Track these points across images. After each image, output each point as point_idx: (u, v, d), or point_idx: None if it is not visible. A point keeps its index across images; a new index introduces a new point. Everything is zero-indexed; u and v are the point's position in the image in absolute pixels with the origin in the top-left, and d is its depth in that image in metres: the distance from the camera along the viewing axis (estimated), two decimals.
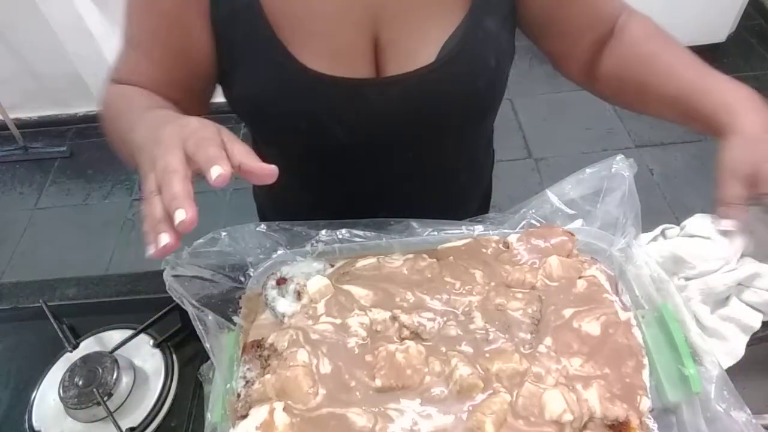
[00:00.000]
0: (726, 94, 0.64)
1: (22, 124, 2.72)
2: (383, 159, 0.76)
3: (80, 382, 0.71)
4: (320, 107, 0.67)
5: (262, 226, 0.70)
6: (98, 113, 0.68)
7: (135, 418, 0.71)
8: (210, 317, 0.62)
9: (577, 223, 0.69)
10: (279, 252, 0.70)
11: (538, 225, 0.70)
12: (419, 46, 0.66)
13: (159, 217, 0.43)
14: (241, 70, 0.68)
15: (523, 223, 0.70)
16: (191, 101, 0.69)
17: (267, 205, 0.99)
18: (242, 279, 0.69)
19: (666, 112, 0.71)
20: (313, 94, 0.66)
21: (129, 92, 0.66)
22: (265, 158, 0.48)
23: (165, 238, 0.42)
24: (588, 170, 0.69)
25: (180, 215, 0.42)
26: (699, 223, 0.67)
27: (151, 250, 0.43)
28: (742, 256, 0.65)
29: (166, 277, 0.63)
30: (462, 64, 0.67)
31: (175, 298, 0.62)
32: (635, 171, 0.68)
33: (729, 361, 0.64)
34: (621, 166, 0.68)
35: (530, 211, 0.70)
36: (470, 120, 0.76)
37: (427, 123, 0.71)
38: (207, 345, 0.60)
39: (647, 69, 0.70)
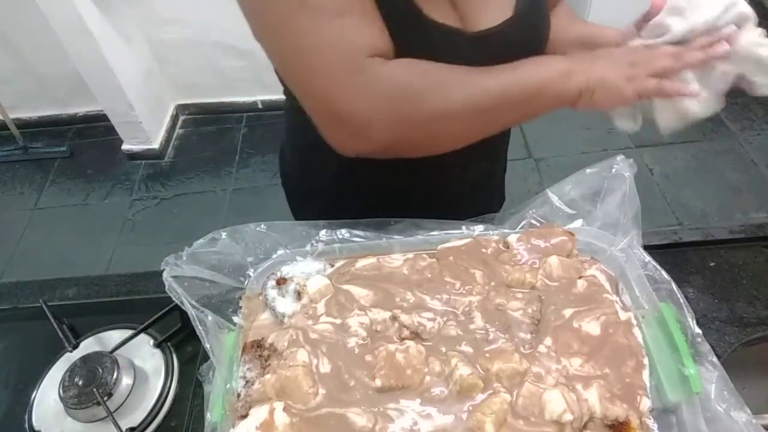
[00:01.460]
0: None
1: (22, 124, 2.72)
2: None
3: (80, 382, 0.71)
4: (439, 56, 0.57)
5: (262, 226, 0.70)
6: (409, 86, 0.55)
7: (135, 418, 0.71)
8: (210, 317, 0.62)
9: (577, 223, 0.70)
10: (279, 252, 0.70)
11: (538, 225, 0.70)
12: (496, 1, 0.64)
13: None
14: None
15: (523, 223, 0.70)
16: None
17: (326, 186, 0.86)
18: (242, 279, 0.69)
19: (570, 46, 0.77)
20: (435, 44, 0.60)
21: (423, 62, 0.57)
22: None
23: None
24: (588, 170, 0.69)
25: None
26: None
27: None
28: None
29: (166, 277, 0.63)
30: (534, 17, 0.67)
31: (174, 299, 0.62)
32: (635, 171, 0.68)
33: None
34: (621, 166, 0.68)
35: (530, 211, 0.70)
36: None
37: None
38: (207, 345, 0.60)
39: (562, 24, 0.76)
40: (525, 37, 0.67)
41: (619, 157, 0.68)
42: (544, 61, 0.59)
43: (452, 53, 0.58)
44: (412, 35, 0.57)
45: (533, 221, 0.70)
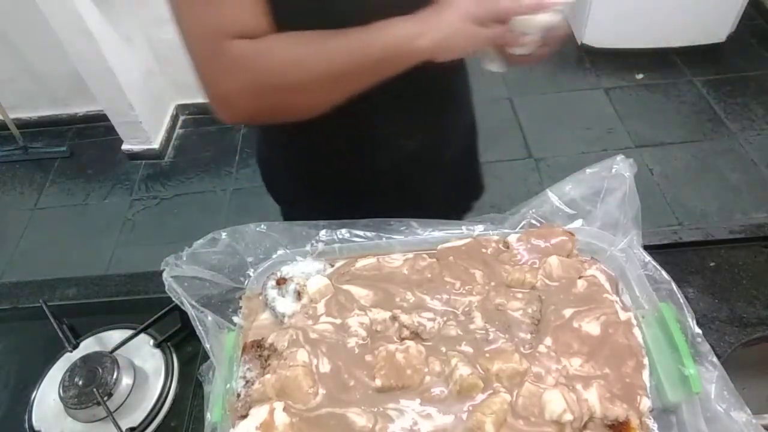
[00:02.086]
0: None
1: (22, 124, 2.72)
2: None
3: (80, 382, 0.71)
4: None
5: (262, 226, 0.70)
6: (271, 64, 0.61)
7: (135, 418, 0.71)
8: (210, 318, 0.62)
9: (577, 223, 0.69)
10: (279, 252, 0.70)
11: (538, 225, 0.70)
12: None
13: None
14: None
15: (523, 223, 0.70)
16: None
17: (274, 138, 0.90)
18: (242, 279, 0.69)
19: None
20: None
21: (282, 38, 0.61)
22: None
23: None
24: (588, 170, 0.69)
25: None
26: None
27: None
28: None
29: (166, 277, 0.63)
30: None
31: (174, 299, 0.62)
32: (635, 171, 0.68)
33: None
34: (621, 166, 0.68)
35: (530, 211, 0.70)
36: None
37: None
38: (207, 345, 0.60)
39: None
40: None
41: (619, 157, 0.68)
42: (393, 24, 0.60)
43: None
44: None
45: (533, 221, 0.70)
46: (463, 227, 0.70)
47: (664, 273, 0.62)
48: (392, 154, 0.83)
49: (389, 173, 0.86)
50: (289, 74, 0.61)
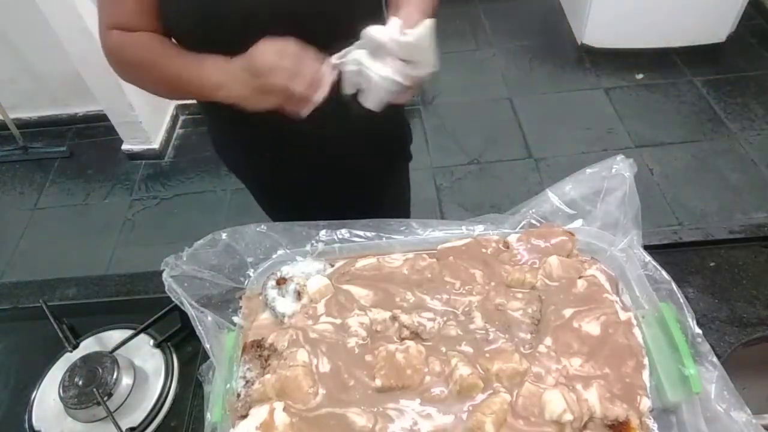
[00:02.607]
0: None
1: (22, 124, 2.72)
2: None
3: (80, 382, 0.71)
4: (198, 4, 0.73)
5: (262, 227, 0.70)
6: (111, 57, 0.79)
7: (135, 418, 0.71)
8: (209, 318, 0.62)
9: (577, 223, 0.69)
10: (279, 252, 0.70)
11: (538, 225, 0.70)
12: None
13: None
14: None
15: (523, 223, 0.70)
16: (155, 24, 0.78)
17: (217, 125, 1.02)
18: (242, 279, 0.69)
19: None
20: None
21: (142, 40, 0.77)
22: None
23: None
24: (588, 170, 0.69)
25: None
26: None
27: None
28: None
29: (166, 278, 0.63)
30: None
31: (174, 299, 0.62)
32: (635, 171, 0.68)
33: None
34: (621, 166, 0.68)
35: (530, 211, 0.70)
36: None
37: (297, 5, 0.74)
38: (207, 345, 0.60)
39: None
40: None
41: (619, 157, 0.68)
42: (207, 67, 0.72)
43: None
44: None
45: (533, 221, 0.70)
46: (463, 227, 0.70)
47: (664, 273, 0.62)
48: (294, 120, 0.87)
49: (297, 131, 0.88)
50: (133, 72, 0.81)
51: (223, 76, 0.71)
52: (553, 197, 0.70)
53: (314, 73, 0.67)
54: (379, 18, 0.88)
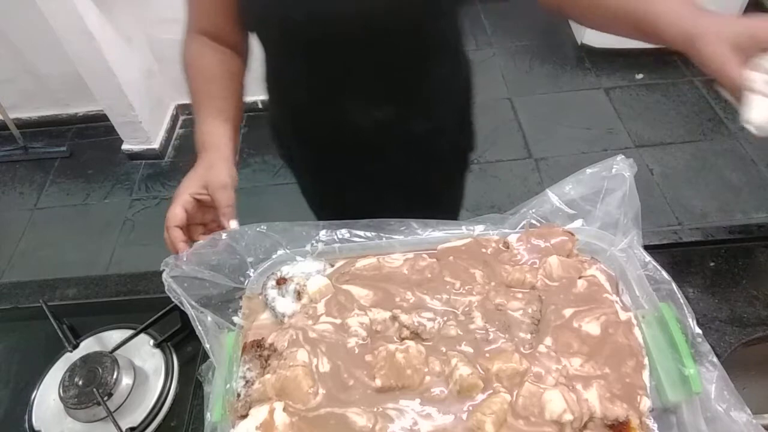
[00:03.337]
0: (681, 18, 0.61)
1: (22, 124, 2.72)
2: (353, 57, 0.79)
3: (80, 382, 0.71)
4: (278, 9, 0.75)
5: (262, 227, 0.70)
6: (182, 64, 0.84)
7: (135, 418, 0.71)
8: (210, 318, 0.62)
9: (577, 223, 0.69)
10: (279, 252, 0.70)
11: (538, 225, 0.70)
12: None
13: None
14: None
15: (523, 223, 0.70)
16: (236, 29, 0.84)
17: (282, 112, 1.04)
18: (242, 279, 0.69)
19: (618, 29, 0.68)
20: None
21: (197, 72, 0.83)
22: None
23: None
24: (588, 170, 0.69)
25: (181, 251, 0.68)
26: None
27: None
28: None
29: (165, 278, 0.63)
30: None
31: (174, 300, 0.62)
32: (635, 171, 0.68)
33: None
34: (621, 166, 0.67)
35: (530, 211, 0.70)
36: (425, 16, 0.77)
37: (379, 22, 0.74)
38: (207, 345, 0.60)
39: None
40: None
41: (619, 157, 0.68)
42: (198, 138, 0.78)
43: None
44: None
45: (533, 221, 0.70)
46: (463, 227, 0.70)
47: (664, 273, 0.62)
48: (360, 121, 0.88)
49: (360, 139, 0.92)
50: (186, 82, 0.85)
51: (209, 155, 0.76)
52: (553, 197, 0.70)
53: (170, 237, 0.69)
54: (460, 37, 0.90)
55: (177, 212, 0.69)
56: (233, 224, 0.70)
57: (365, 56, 0.79)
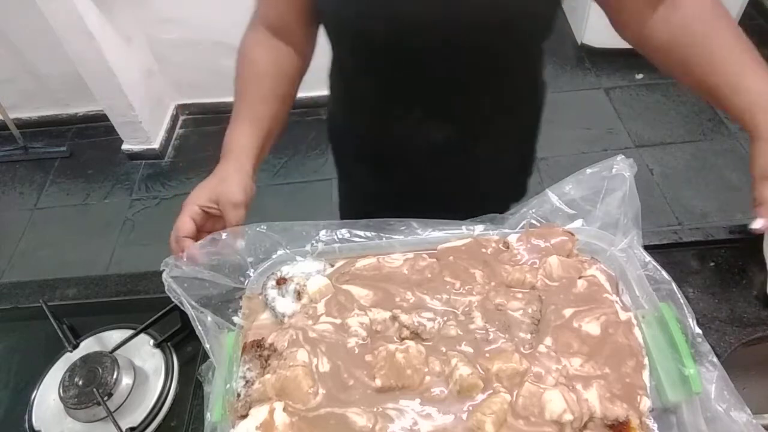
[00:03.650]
0: (757, 96, 0.65)
1: (22, 124, 2.72)
2: (426, 70, 0.76)
3: (80, 382, 0.71)
4: (358, 10, 0.71)
5: (263, 227, 0.70)
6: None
7: (135, 418, 0.71)
8: (210, 318, 0.62)
9: (577, 223, 0.69)
10: (279, 252, 0.70)
11: (538, 225, 0.70)
12: None
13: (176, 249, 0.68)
14: None
15: (523, 223, 0.70)
16: (301, 24, 0.80)
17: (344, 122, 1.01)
18: (242, 279, 0.69)
19: (704, 97, 0.72)
20: None
21: (247, 66, 0.80)
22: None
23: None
24: (588, 170, 0.69)
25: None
26: None
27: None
28: None
29: (165, 278, 0.63)
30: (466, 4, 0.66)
31: (174, 299, 0.62)
32: (635, 171, 0.68)
33: None
34: (621, 167, 0.67)
35: (530, 211, 0.70)
36: (505, 38, 0.73)
37: (462, 35, 0.70)
38: (207, 345, 0.60)
39: (693, 51, 0.70)
40: (441, 20, 0.68)
41: (619, 157, 0.68)
42: (231, 140, 0.77)
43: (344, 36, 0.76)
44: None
45: (533, 221, 0.70)
46: (463, 227, 0.70)
47: (664, 273, 0.62)
48: (417, 141, 0.86)
49: (416, 159, 0.90)
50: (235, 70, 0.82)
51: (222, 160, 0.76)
52: (553, 197, 0.70)
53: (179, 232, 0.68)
54: (539, 58, 0.87)
55: (186, 222, 0.68)
56: (240, 244, 0.68)
57: (439, 68, 0.75)
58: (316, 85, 0.96)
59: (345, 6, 0.72)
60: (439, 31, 0.70)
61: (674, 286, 0.60)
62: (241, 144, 0.75)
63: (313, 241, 0.70)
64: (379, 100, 0.85)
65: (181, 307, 0.62)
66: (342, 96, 0.94)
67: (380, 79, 0.81)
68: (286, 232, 0.70)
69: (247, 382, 0.59)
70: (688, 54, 0.71)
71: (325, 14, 0.77)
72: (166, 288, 0.62)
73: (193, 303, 0.62)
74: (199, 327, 0.61)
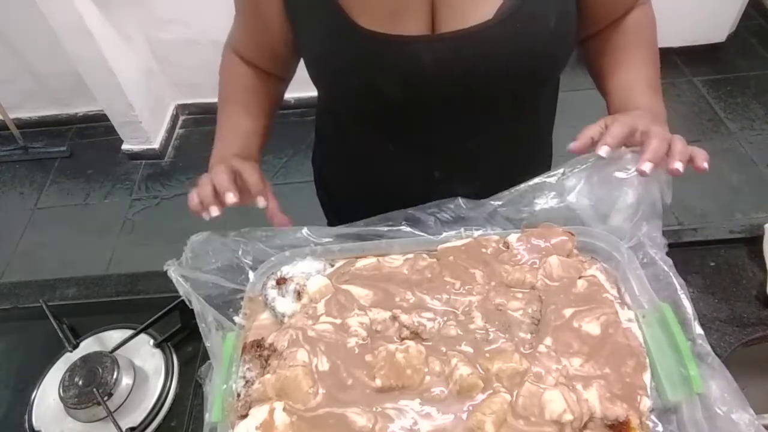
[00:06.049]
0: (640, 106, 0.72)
1: (22, 124, 2.72)
2: (437, 119, 0.75)
3: (80, 382, 0.71)
4: (371, 65, 0.68)
5: (263, 227, 0.70)
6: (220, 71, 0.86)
7: (135, 418, 0.71)
8: (210, 317, 0.62)
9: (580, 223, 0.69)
10: (279, 252, 0.70)
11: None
12: (476, 4, 0.63)
13: (210, 197, 0.68)
14: (304, 33, 0.72)
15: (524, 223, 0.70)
16: (276, 65, 0.83)
17: (333, 172, 1.04)
18: (242, 280, 0.69)
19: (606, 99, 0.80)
20: (365, 52, 0.67)
21: (232, 79, 0.85)
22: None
23: (215, 211, 0.67)
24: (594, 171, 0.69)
25: (229, 198, 0.67)
26: None
27: (206, 217, 0.67)
28: None
29: (173, 273, 0.63)
30: (519, 23, 0.64)
31: (182, 294, 0.62)
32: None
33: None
34: (626, 164, 0.68)
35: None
36: (525, 83, 0.72)
37: (480, 84, 0.69)
38: (208, 344, 0.60)
39: (605, 60, 0.79)
40: (501, 40, 0.65)
41: (629, 155, 0.68)
42: (222, 141, 0.86)
43: (382, 59, 0.68)
44: (342, 42, 0.68)
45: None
46: (463, 227, 0.70)
47: (665, 272, 0.62)
48: (418, 179, 0.84)
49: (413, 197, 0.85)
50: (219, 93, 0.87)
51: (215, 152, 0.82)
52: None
53: (222, 184, 0.68)
54: (552, 104, 0.90)
55: (223, 175, 0.69)
56: (260, 201, 0.70)
57: (459, 122, 0.75)
58: None
59: (352, 66, 0.69)
60: (461, 81, 0.69)
61: (676, 285, 0.60)
62: (234, 152, 0.80)
63: (313, 242, 0.70)
64: (387, 153, 0.83)
65: (187, 303, 0.62)
66: (333, 134, 0.95)
67: (388, 130, 0.80)
68: (286, 232, 0.70)
69: (247, 382, 0.59)
70: (600, 63, 0.79)
71: (322, 72, 0.74)
72: (174, 281, 0.62)
73: (200, 298, 0.62)
74: (203, 324, 0.61)
